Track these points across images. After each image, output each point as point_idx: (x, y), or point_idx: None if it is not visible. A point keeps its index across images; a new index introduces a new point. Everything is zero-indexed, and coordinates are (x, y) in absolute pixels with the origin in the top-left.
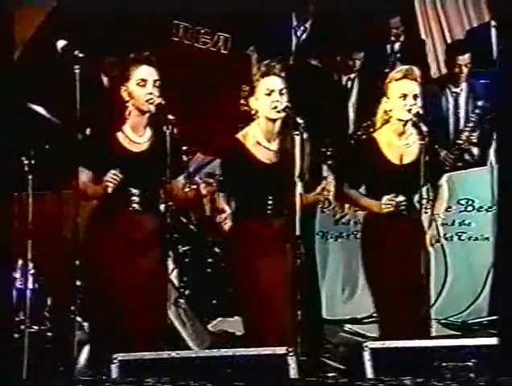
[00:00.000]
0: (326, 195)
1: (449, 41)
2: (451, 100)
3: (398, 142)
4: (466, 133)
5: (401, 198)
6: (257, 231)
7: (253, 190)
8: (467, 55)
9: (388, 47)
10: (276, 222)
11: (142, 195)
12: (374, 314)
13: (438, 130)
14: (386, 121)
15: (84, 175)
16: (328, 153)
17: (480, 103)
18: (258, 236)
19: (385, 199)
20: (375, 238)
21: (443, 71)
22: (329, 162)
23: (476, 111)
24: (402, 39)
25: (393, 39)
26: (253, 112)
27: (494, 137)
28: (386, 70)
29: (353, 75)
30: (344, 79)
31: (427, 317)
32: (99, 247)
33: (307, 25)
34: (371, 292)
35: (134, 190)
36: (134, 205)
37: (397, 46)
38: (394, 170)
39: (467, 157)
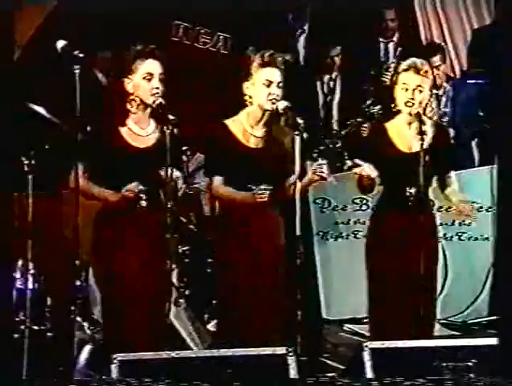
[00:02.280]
0: (320, 173)
1: (449, 42)
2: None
3: (407, 132)
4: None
5: (412, 189)
6: (247, 217)
7: (239, 174)
8: (437, 57)
9: (382, 45)
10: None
11: (148, 192)
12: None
13: None
14: (398, 111)
15: (83, 173)
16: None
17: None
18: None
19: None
20: (383, 235)
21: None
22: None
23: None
24: (396, 35)
25: (388, 34)
26: (246, 98)
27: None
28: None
29: (334, 75)
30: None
31: (431, 317)
32: (108, 244)
33: (305, 25)
34: (372, 290)
35: (141, 187)
36: (142, 202)
37: (391, 44)
38: (404, 158)
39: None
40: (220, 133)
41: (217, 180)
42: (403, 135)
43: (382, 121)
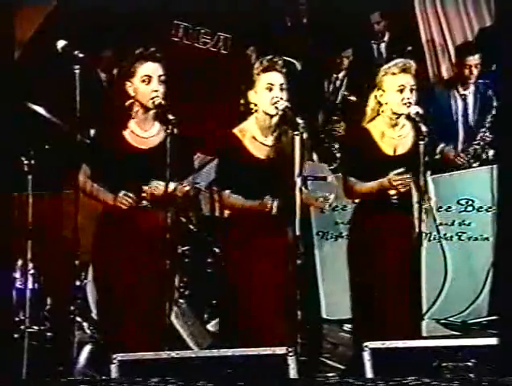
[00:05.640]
0: (326, 201)
1: (448, 41)
2: (459, 101)
3: (391, 134)
4: (479, 134)
5: (392, 191)
6: (254, 227)
7: (248, 185)
8: (477, 56)
9: (374, 45)
10: (274, 217)
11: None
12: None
13: (447, 131)
14: (379, 113)
15: (86, 173)
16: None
17: (490, 104)
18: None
19: (391, 174)
20: (364, 236)
21: (444, 72)
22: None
23: (487, 112)
24: (386, 36)
25: (379, 35)
26: (251, 106)
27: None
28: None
29: (341, 74)
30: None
31: (419, 317)
32: (110, 245)
33: (303, 24)
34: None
35: (145, 187)
36: (144, 202)
37: (383, 44)
38: (387, 160)
39: (482, 157)
40: (231, 143)
41: (227, 191)
42: (387, 137)
43: (361, 123)
